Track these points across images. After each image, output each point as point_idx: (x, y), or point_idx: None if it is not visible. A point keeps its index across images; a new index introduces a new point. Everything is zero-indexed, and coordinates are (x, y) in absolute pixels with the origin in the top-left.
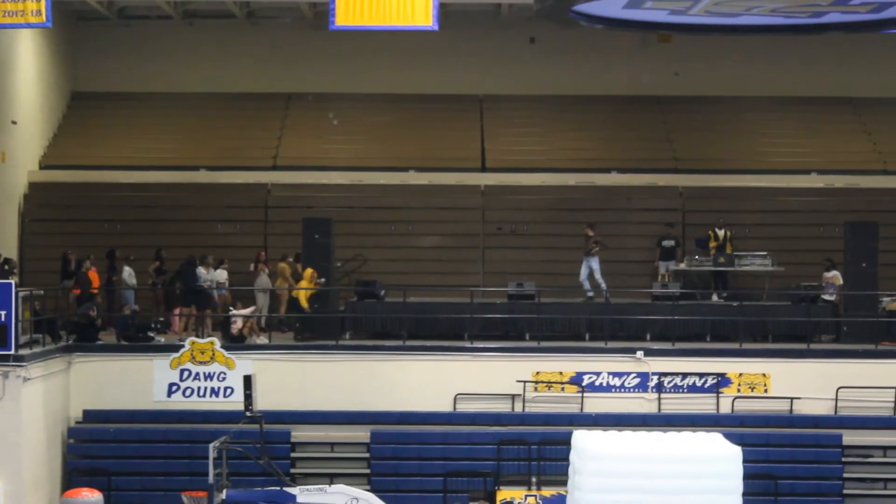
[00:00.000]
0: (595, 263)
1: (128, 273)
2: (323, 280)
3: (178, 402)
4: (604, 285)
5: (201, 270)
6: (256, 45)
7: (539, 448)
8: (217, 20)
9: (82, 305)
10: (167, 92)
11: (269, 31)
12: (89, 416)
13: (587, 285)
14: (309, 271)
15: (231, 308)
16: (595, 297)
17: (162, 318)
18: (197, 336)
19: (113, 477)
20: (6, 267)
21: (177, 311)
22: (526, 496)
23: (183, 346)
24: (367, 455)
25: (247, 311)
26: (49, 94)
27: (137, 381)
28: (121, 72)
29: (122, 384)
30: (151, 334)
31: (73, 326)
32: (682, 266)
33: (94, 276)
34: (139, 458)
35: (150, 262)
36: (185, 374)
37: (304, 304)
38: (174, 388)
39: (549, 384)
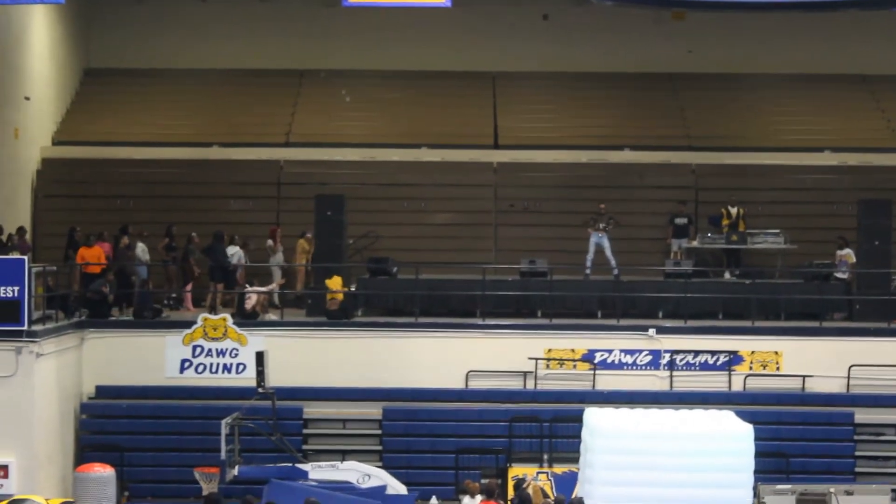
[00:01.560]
0: (605, 241)
1: (141, 249)
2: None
3: (191, 379)
4: (613, 262)
5: (239, 251)
6: (269, 21)
7: (551, 425)
8: None
9: (95, 282)
10: (180, 68)
11: (282, 7)
12: (102, 391)
13: (589, 263)
14: (338, 279)
15: (247, 285)
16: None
17: (175, 295)
18: (214, 312)
19: (125, 452)
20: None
21: (189, 287)
22: (538, 473)
23: (195, 323)
24: (379, 432)
25: (268, 288)
26: (62, 71)
27: (150, 358)
28: (134, 48)
29: (135, 360)
30: (159, 307)
31: (85, 302)
32: (695, 243)
33: (101, 251)
34: (151, 434)
35: (161, 239)
36: (198, 350)
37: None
38: (187, 364)
39: (562, 361)
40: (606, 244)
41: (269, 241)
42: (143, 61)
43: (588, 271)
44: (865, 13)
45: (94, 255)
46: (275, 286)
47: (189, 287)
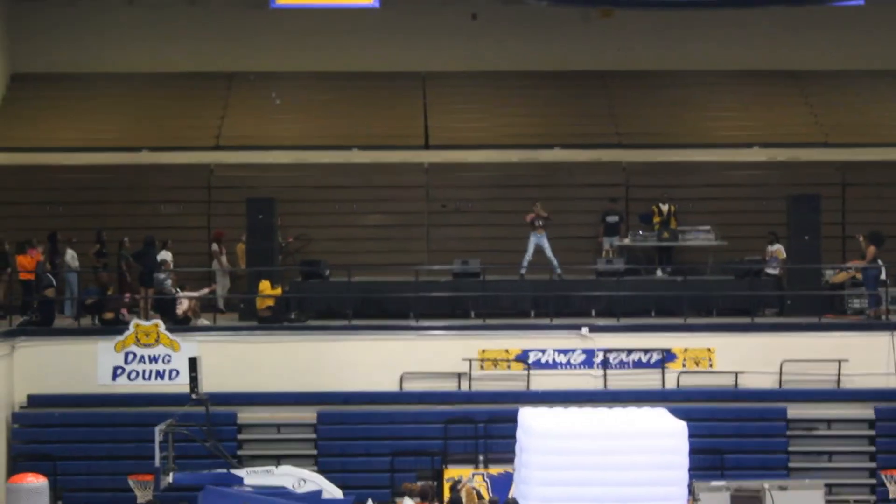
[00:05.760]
0: (545, 241)
1: (70, 256)
2: (279, 290)
3: (124, 386)
4: (555, 262)
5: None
6: (197, 24)
7: (486, 426)
8: None
9: (44, 288)
10: (108, 72)
11: (209, 10)
12: (34, 400)
13: (525, 264)
14: (266, 283)
15: (178, 290)
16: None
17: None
18: (144, 318)
19: (58, 462)
20: None
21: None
22: (473, 474)
23: (127, 329)
24: (314, 436)
25: (199, 293)
26: None
27: (82, 365)
28: (61, 52)
29: (67, 368)
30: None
31: (35, 308)
32: (626, 241)
33: (31, 260)
34: (85, 443)
35: (92, 245)
36: (130, 357)
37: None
38: (119, 371)
39: (496, 362)
40: (546, 244)
41: (214, 246)
42: (71, 66)
43: (523, 271)
44: (793, 9)
45: (32, 263)
46: (206, 291)
47: (126, 295)
